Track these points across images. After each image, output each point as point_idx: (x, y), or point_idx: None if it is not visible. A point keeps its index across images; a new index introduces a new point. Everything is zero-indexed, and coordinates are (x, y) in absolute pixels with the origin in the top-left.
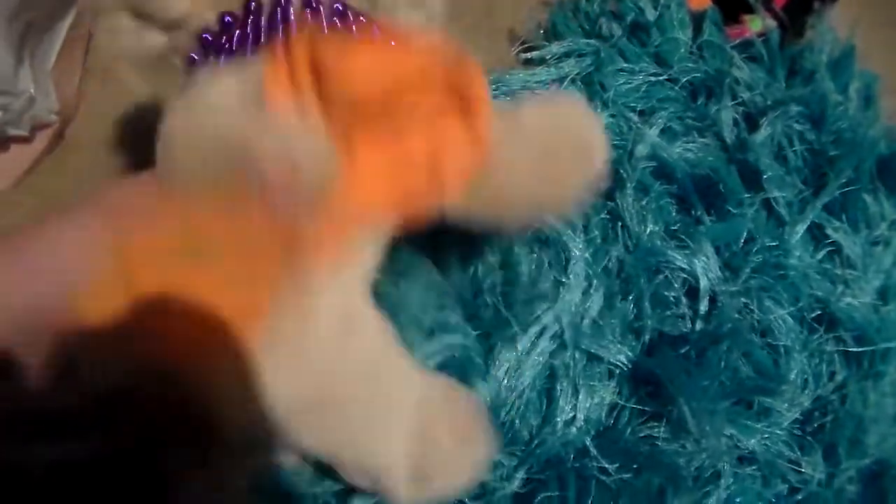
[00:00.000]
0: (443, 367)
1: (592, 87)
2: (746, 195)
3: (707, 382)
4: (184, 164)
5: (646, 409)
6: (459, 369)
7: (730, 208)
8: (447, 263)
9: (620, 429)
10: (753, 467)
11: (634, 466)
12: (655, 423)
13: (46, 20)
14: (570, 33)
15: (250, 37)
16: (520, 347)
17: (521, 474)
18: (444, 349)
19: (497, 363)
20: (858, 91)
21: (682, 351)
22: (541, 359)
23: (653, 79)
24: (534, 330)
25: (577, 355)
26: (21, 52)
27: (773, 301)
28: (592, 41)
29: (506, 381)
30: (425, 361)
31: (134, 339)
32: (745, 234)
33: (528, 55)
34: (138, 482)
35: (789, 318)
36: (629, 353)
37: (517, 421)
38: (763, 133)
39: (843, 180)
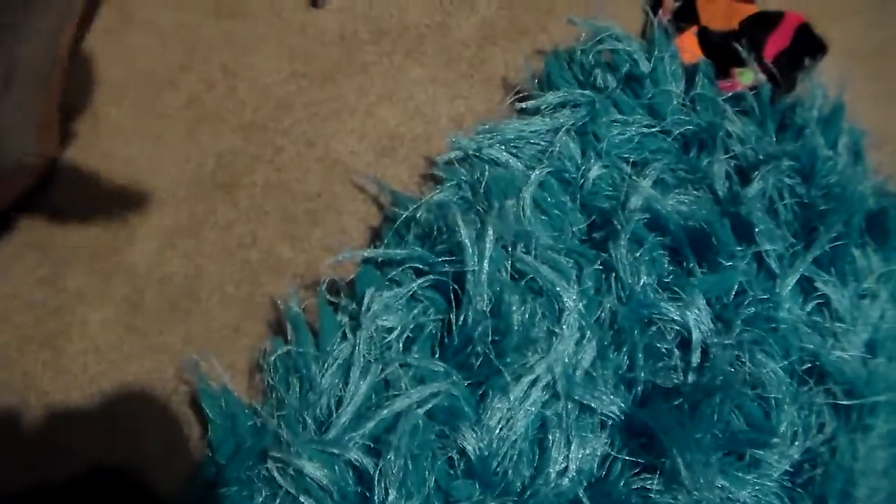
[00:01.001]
0: (432, 415)
1: (586, 137)
2: (738, 248)
3: (700, 435)
4: None
5: (638, 460)
6: (448, 418)
7: (721, 261)
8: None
9: (613, 480)
10: None
11: None
12: (648, 475)
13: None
14: (565, 83)
15: None
16: (512, 397)
17: None
18: (430, 396)
19: (489, 413)
20: (847, 146)
21: (675, 403)
22: (533, 409)
23: (646, 130)
24: (526, 380)
25: (569, 406)
26: None
27: (765, 354)
28: (587, 92)
29: (498, 431)
30: (413, 408)
31: None
32: (736, 286)
33: (523, 105)
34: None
35: (780, 371)
36: (622, 405)
37: (510, 472)
38: (755, 187)
39: (833, 234)
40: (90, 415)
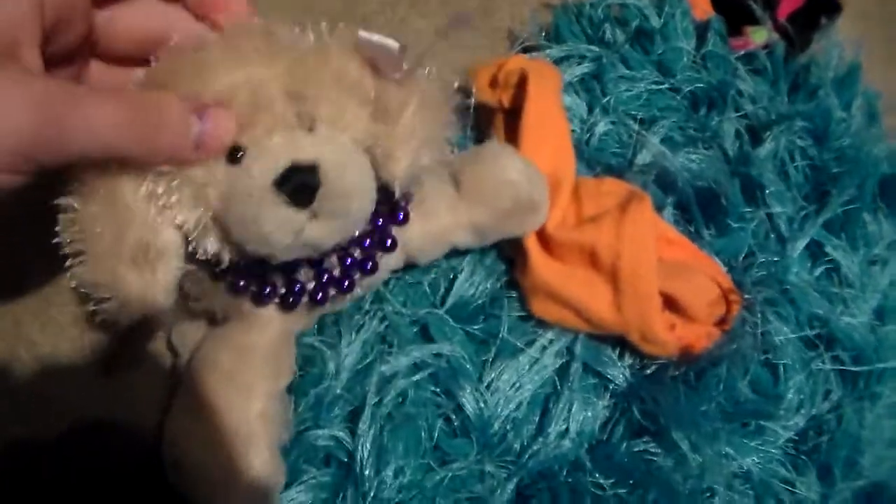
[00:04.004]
0: (435, 374)
1: (593, 93)
2: (748, 209)
3: (705, 407)
4: None
5: (642, 423)
6: (450, 377)
7: (730, 222)
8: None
9: (615, 443)
10: (747, 485)
11: (630, 482)
12: (650, 438)
13: None
14: (573, 37)
15: None
16: (522, 360)
17: (511, 486)
18: (435, 356)
19: (497, 374)
20: (862, 108)
21: (681, 370)
22: (542, 374)
23: (655, 87)
24: (539, 343)
25: (574, 368)
26: None
27: (778, 316)
28: (593, 47)
29: (507, 391)
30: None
31: None
32: (745, 249)
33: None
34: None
35: (791, 335)
36: (626, 370)
37: (510, 433)
38: (766, 147)
39: (846, 198)
40: (81, 368)
